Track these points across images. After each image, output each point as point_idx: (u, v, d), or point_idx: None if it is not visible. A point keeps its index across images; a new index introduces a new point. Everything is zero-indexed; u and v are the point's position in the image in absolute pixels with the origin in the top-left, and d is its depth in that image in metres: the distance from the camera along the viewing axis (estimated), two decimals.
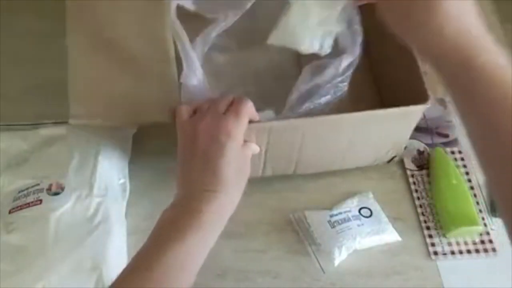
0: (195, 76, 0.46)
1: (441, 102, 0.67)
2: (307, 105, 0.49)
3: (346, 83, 0.50)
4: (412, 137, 0.58)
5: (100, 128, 0.59)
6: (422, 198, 0.58)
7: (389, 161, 0.58)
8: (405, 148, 0.59)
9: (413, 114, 0.53)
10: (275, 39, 0.46)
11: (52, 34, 0.73)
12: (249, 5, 0.49)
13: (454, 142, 0.63)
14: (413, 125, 0.54)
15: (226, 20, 0.49)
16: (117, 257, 0.50)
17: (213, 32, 0.50)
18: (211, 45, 0.53)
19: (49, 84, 0.67)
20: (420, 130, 0.62)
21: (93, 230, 0.49)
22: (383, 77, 0.65)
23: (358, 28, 0.49)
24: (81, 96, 0.47)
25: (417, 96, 0.50)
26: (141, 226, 0.54)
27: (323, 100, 0.50)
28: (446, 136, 0.64)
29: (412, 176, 0.60)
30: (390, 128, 0.53)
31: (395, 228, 0.55)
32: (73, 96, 0.46)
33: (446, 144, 0.63)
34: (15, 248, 0.47)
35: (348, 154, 0.56)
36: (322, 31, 0.45)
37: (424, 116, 0.65)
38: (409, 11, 0.37)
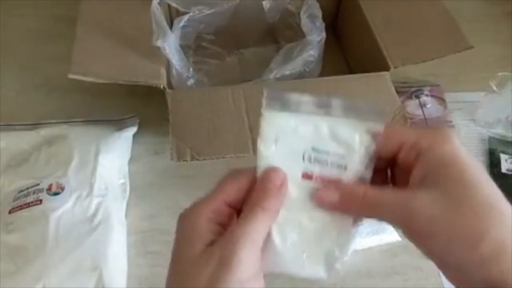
0: (165, 40, 0.54)
1: (441, 102, 0.67)
2: (276, 73, 0.58)
3: (314, 54, 0.58)
4: None
5: (100, 128, 0.59)
6: None
7: None
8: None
9: (379, 80, 0.56)
10: (268, 266, 0.31)
11: (52, 34, 0.74)
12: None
13: None
14: (390, 92, 0.56)
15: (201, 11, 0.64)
16: (117, 257, 0.50)
17: (186, 17, 0.63)
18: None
19: (49, 84, 0.68)
20: None
21: (93, 230, 0.49)
22: (352, 56, 0.71)
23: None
24: (81, 60, 0.53)
25: (380, 66, 0.57)
26: (141, 226, 0.55)
27: (293, 71, 0.58)
28: None
29: None
30: (366, 96, 0.55)
31: (395, 228, 0.55)
32: (74, 60, 0.52)
33: None
34: (15, 248, 0.47)
35: None
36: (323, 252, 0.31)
37: (424, 116, 0.65)
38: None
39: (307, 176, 0.30)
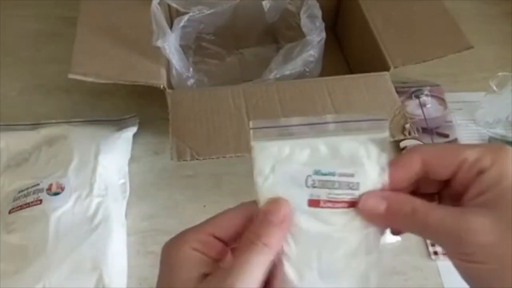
0: (165, 40, 0.54)
1: (441, 102, 0.67)
2: (276, 73, 0.58)
3: (314, 54, 0.59)
4: (412, 137, 0.58)
5: (100, 128, 0.59)
6: None
7: (403, 132, 0.57)
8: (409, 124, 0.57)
9: (379, 80, 0.56)
10: None
11: (52, 34, 0.74)
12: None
13: (454, 142, 0.63)
14: (390, 92, 0.56)
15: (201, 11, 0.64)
16: (117, 257, 0.50)
17: (186, 17, 0.63)
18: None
19: (49, 84, 0.68)
20: (420, 130, 0.63)
21: (93, 230, 0.49)
22: (352, 56, 0.70)
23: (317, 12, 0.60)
24: (81, 60, 0.53)
25: (380, 66, 0.57)
26: (141, 226, 0.55)
27: (293, 71, 0.58)
28: (446, 136, 0.64)
29: None
30: (366, 95, 0.55)
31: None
32: (74, 60, 0.52)
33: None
34: (15, 248, 0.47)
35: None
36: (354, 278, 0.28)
37: (424, 116, 0.65)
38: None
39: (314, 202, 0.27)
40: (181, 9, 0.63)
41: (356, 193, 0.27)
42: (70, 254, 0.47)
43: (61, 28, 0.73)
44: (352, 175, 0.27)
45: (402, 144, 0.62)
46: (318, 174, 0.27)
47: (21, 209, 0.49)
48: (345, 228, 0.27)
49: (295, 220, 0.27)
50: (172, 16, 0.68)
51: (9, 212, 0.49)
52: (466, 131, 0.65)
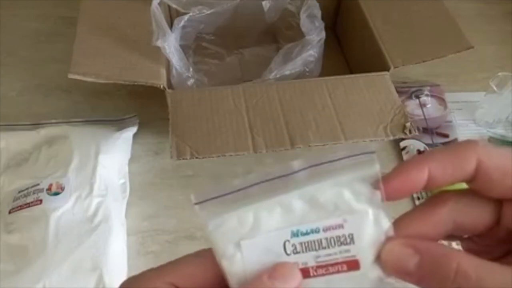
0: (165, 39, 0.54)
1: (441, 102, 0.67)
2: (275, 73, 0.58)
3: (314, 54, 0.59)
4: (412, 137, 0.58)
5: (100, 128, 0.59)
6: (422, 198, 0.58)
7: (403, 131, 0.56)
8: (410, 126, 0.57)
9: (379, 80, 0.56)
10: None
11: (52, 34, 0.74)
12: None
13: (454, 142, 0.63)
14: (390, 92, 0.56)
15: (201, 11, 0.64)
16: (117, 257, 0.50)
17: (186, 17, 0.64)
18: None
19: (49, 84, 0.68)
20: (420, 130, 0.63)
21: (93, 230, 0.49)
22: (352, 56, 0.70)
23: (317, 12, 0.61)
24: (81, 60, 0.53)
25: (380, 66, 0.57)
26: (141, 227, 0.55)
27: (293, 72, 0.58)
28: (446, 136, 0.64)
29: None
30: (366, 95, 0.55)
31: None
32: (74, 60, 0.52)
33: (446, 144, 0.63)
34: (15, 248, 0.47)
35: (344, 122, 0.54)
36: None
37: (424, 116, 0.65)
38: None
39: (301, 273, 0.21)
40: (181, 9, 0.64)
41: (352, 248, 0.21)
42: (70, 254, 0.46)
43: (61, 28, 0.74)
44: (341, 226, 0.21)
45: (402, 144, 0.62)
46: (297, 235, 0.21)
47: (21, 209, 0.49)
48: None
49: None
50: (172, 16, 0.68)
51: (9, 212, 0.49)
52: (466, 131, 0.65)
